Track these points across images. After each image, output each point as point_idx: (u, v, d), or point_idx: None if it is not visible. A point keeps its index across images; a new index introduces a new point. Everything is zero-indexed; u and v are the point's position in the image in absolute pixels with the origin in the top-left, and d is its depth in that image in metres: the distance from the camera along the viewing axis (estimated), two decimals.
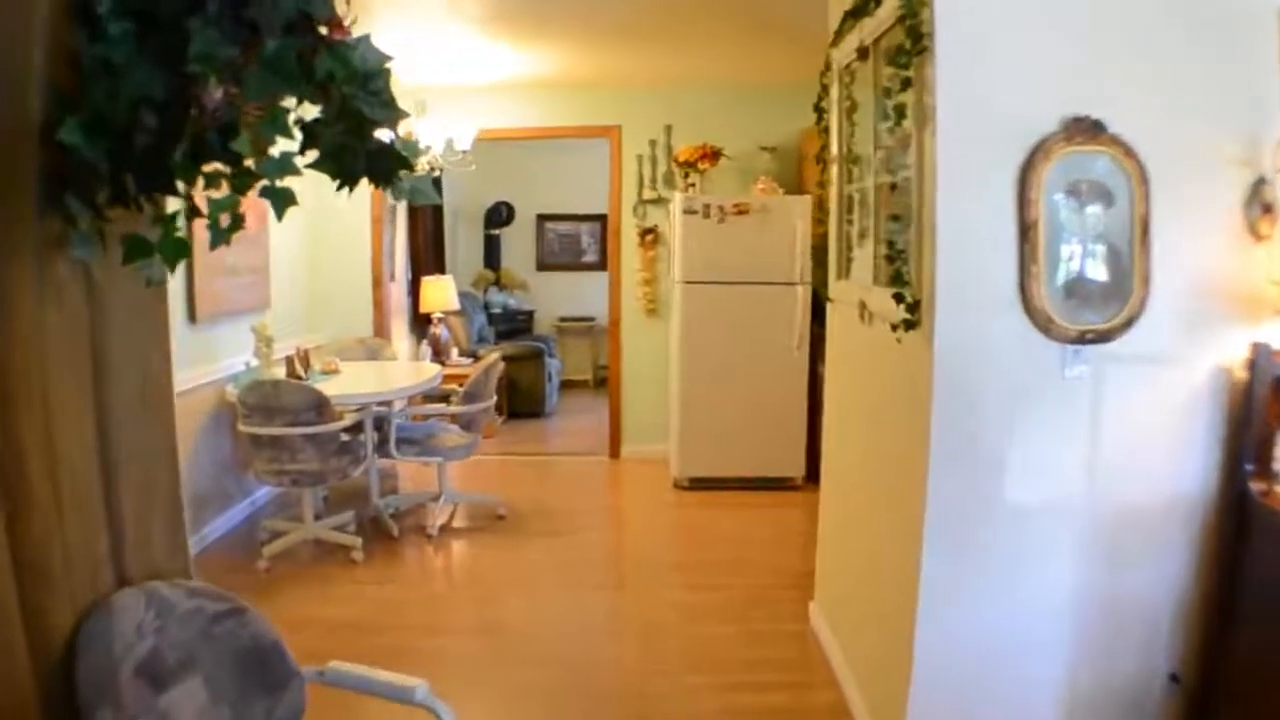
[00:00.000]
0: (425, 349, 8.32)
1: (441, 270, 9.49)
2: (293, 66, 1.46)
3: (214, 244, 1.50)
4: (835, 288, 3.72)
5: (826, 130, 3.89)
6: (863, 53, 3.14)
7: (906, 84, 2.50)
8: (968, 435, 2.55)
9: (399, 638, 4.04)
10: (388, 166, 1.65)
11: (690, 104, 6.69)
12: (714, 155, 6.37)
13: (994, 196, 2.45)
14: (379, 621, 4.20)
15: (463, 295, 9.54)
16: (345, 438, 5.14)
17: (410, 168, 1.68)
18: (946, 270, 2.41)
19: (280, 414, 4.60)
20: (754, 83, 6.44)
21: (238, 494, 5.54)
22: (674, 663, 3.83)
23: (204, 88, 1.46)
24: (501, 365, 5.67)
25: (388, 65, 1.64)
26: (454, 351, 8.53)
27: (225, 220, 1.55)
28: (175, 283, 4.86)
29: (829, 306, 3.86)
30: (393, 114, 1.66)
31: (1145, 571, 2.71)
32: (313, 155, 1.62)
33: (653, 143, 6.76)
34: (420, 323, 8.73)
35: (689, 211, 6.00)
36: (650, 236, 6.82)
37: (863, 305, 3.15)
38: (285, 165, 1.50)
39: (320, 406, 4.63)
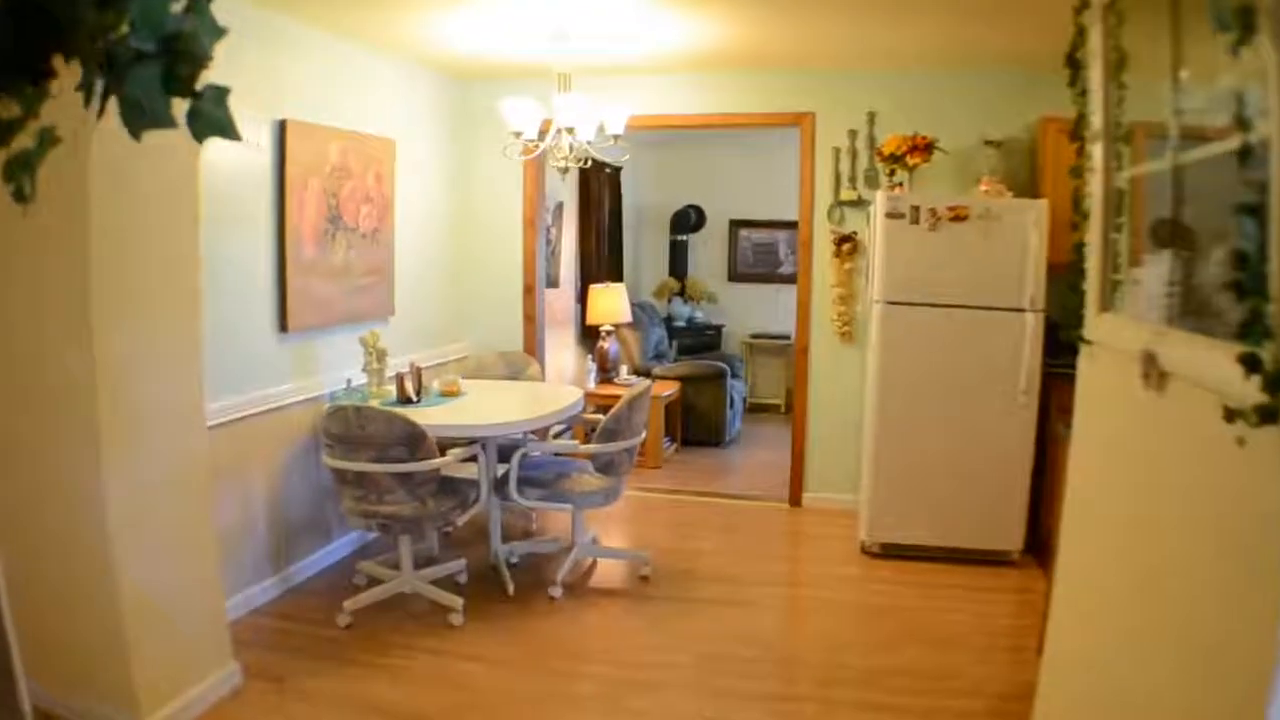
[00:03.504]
0: (591, 364, 7.47)
1: (618, 277, 8.64)
2: None
3: None
4: (1097, 324, 2.51)
5: (1084, 93, 2.70)
6: None
7: None
8: None
9: None
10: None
11: (898, 86, 5.49)
12: (926, 148, 5.15)
13: None
14: (449, 717, 3.31)
15: (641, 306, 8.66)
16: (462, 473, 4.30)
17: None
18: None
19: (365, 447, 3.78)
20: (977, 60, 5.17)
21: (339, 526, 4.80)
22: None
23: None
24: (651, 394, 4.68)
25: None
26: (623, 369, 7.64)
27: None
28: (263, 286, 4.15)
29: (1084, 352, 2.63)
30: None
31: None
32: None
33: (852, 133, 5.59)
34: (590, 334, 7.90)
35: (893, 215, 4.83)
36: (847, 246, 5.66)
37: (1149, 359, 1.95)
38: None
39: (412, 440, 3.78)
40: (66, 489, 2.97)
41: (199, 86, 0.93)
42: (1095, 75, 2.61)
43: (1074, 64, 2.76)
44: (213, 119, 0.94)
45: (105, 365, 2.86)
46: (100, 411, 2.86)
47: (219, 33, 0.89)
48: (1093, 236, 2.61)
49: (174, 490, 3.16)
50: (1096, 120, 2.61)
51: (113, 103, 0.90)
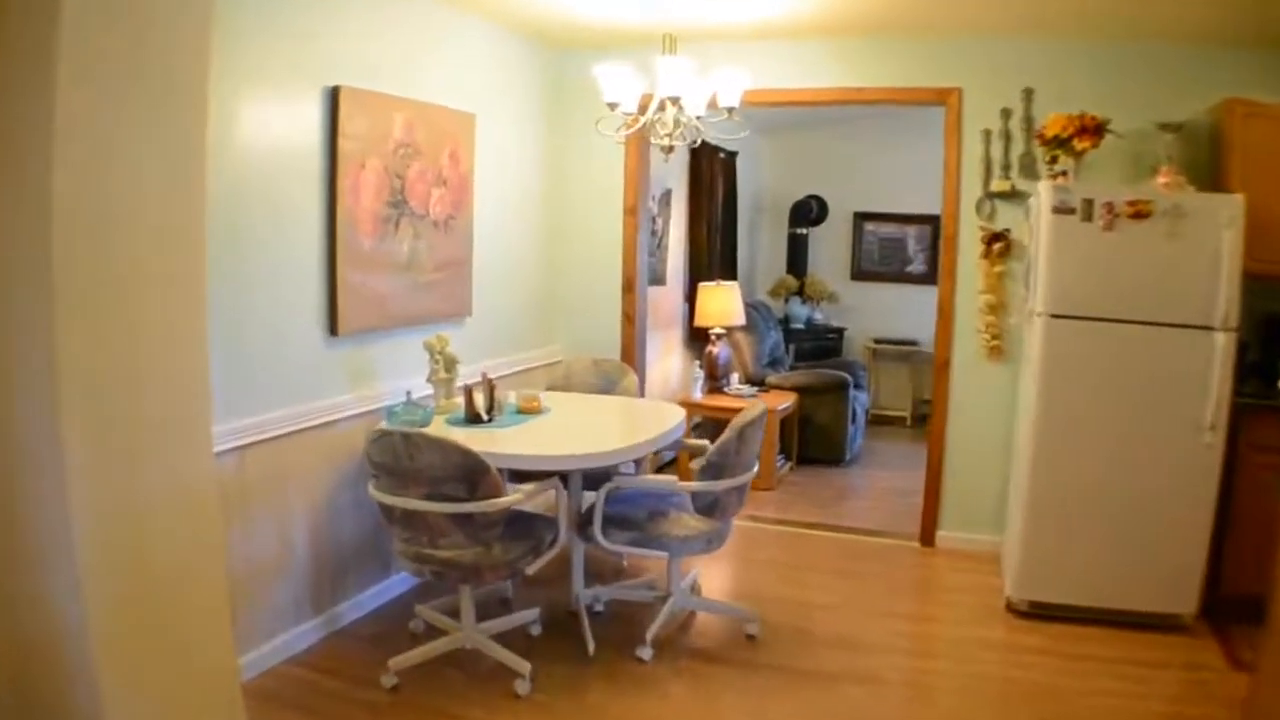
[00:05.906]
0: (698, 371, 6.78)
1: (731, 274, 7.90)
2: None
3: None
4: None
5: None
6: None
7: None
8: None
9: None
10: None
11: (1060, 58, 4.63)
12: (1096, 130, 4.27)
13: None
14: None
15: (756, 306, 7.91)
16: (538, 506, 3.68)
17: None
18: None
19: (414, 481, 3.17)
20: (1150, 31, 4.30)
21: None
22: None
23: None
24: (763, 422, 3.94)
25: None
26: (734, 377, 6.92)
27: None
28: (308, 282, 3.58)
29: None
30: None
31: None
32: None
33: (1006, 112, 4.73)
34: (698, 338, 7.19)
35: (1061, 210, 3.99)
36: (999, 245, 4.81)
37: None
38: None
39: (471, 475, 3.15)
40: (30, 507, 2.42)
41: None
42: None
43: None
44: None
45: (70, 371, 2.28)
46: (63, 427, 2.28)
47: None
48: None
49: (168, 523, 2.57)
50: None
51: None
